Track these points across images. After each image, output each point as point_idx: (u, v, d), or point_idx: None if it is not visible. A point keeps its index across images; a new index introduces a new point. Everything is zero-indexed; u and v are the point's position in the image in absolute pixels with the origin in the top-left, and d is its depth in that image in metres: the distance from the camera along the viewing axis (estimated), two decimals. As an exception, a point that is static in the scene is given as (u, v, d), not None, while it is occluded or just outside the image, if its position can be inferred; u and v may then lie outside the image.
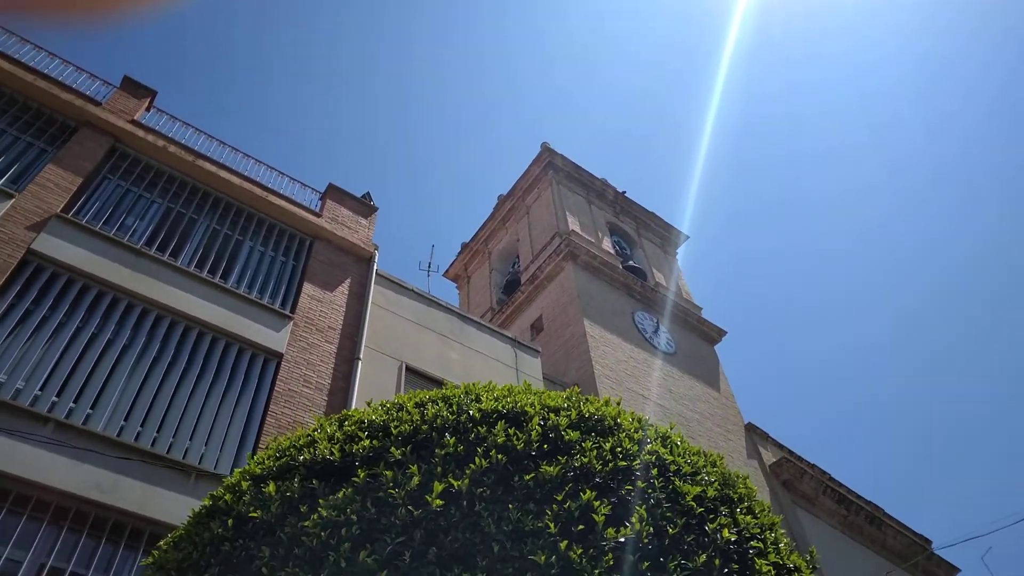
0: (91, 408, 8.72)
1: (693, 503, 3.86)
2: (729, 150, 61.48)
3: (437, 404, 4.24)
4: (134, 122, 12.53)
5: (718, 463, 4.67)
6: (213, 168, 12.85)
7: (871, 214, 59.46)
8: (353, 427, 4.14)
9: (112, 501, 7.83)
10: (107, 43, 53.90)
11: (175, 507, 8.22)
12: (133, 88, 13.36)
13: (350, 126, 66.16)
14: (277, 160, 65.91)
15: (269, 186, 13.57)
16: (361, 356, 11.67)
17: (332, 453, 3.87)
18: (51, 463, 7.77)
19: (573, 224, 21.04)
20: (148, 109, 13.48)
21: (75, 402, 8.66)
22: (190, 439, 9.22)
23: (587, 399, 4.78)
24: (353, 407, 10.66)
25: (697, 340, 20.54)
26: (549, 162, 23.59)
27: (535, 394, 4.51)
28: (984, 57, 52.67)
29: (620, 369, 16.58)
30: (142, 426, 8.95)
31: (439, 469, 3.66)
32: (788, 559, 4.16)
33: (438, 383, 12.61)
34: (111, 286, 10.05)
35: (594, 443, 4.03)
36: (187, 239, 11.84)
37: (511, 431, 3.94)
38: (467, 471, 3.65)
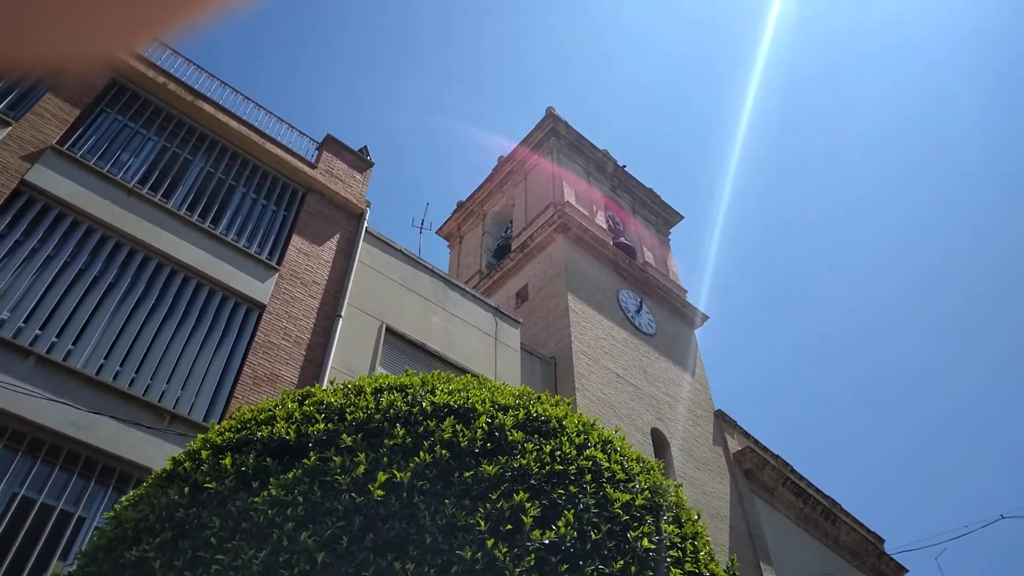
0: (72, 344, 8.95)
1: (620, 510, 4.13)
2: (745, 138, 61.12)
3: (393, 393, 4.48)
4: (136, 55, 12.52)
5: (654, 471, 4.95)
6: (211, 110, 12.89)
7: (892, 220, 59.53)
8: (312, 408, 4.38)
9: (86, 438, 8.11)
10: None
11: (147, 448, 8.54)
12: (139, 22, 13.29)
13: (354, 74, 65.41)
14: (277, 104, 65.22)
15: (267, 132, 13.62)
16: (343, 314, 11.90)
17: (288, 433, 4.12)
18: (30, 396, 8.02)
19: (569, 195, 21.13)
20: (150, 43, 13.43)
21: (57, 337, 8.89)
22: (167, 382, 9.48)
23: (539, 398, 5.03)
24: (329, 365, 10.95)
25: (679, 323, 20.83)
26: (552, 128, 23.54)
27: (488, 390, 4.75)
28: None
29: (598, 346, 16.88)
30: (121, 366, 9.20)
31: (385, 459, 3.91)
32: (706, 568, 4.46)
33: (417, 346, 12.89)
34: (101, 223, 10.20)
35: (536, 445, 4.28)
36: (180, 180, 11.95)
37: (458, 427, 4.19)
38: (411, 463, 3.90)
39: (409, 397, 4.45)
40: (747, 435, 19.36)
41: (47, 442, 7.98)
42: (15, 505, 7.44)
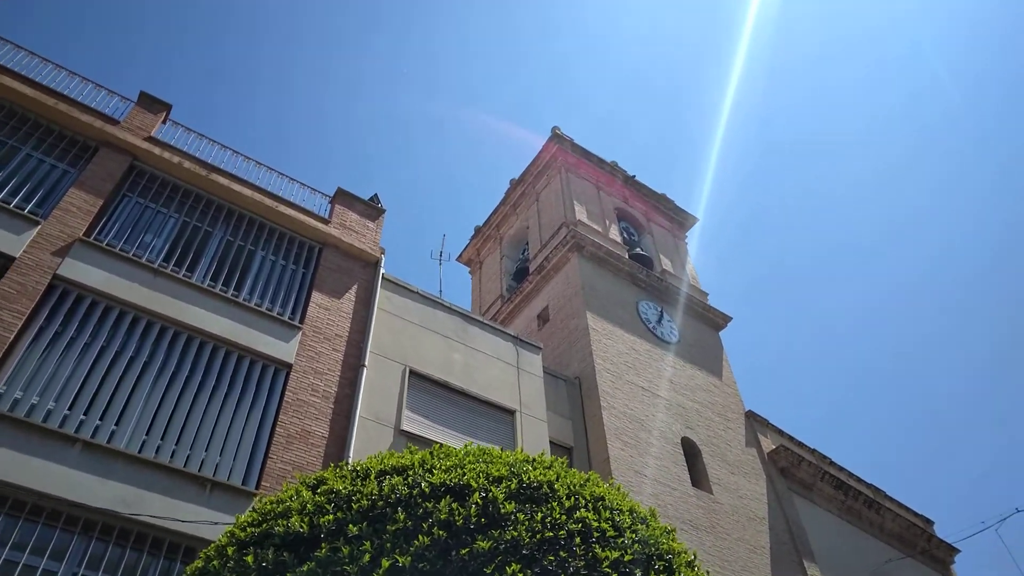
0: (115, 425, 9.58)
1: (608, 569, 4.51)
2: (749, 129, 60.89)
3: (395, 477, 4.92)
4: (151, 139, 13.23)
5: (649, 520, 5.31)
6: (226, 181, 13.55)
7: (899, 201, 58.76)
8: (323, 498, 4.84)
9: (136, 514, 8.70)
10: (122, 56, 54.68)
11: (193, 516, 9.11)
12: (149, 103, 14.03)
13: (358, 117, 66.46)
14: (289, 161, 66.53)
15: (279, 194, 14.25)
16: (366, 363, 12.43)
17: (302, 526, 4.58)
18: (80, 480, 8.65)
19: (580, 213, 21.50)
20: (164, 122, 14.16)
21: (100, 420, 9.53)
22: (205, 451, 10.08)
23: (534, 462, 5.43)
24: (357, 415, 11.47)
25: (702, 327, 21.04)
26: (558, 148, 23.95)
27: (484, 462, 5.17)
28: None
29: (621, 361, 17.19)
30: (162, 440, 9.82)
31: (388, 544, 4.35)
32: (698, 610, 4.81)
33: (441, 385, 13.35)
34: (131, 306, 10.85)
35: (527, 515, 4.68)
36: (202, 252, 12.59)
37: (455, 506, 4.61)
38: (412, 546, 4.33)
39: (409, 479, 4.89)
40: (781, 433, 19.48)
41: (99, 522, 8.59)
42: (76, 586, 8.04)
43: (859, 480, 20.44)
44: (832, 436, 56.36)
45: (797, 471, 18.19)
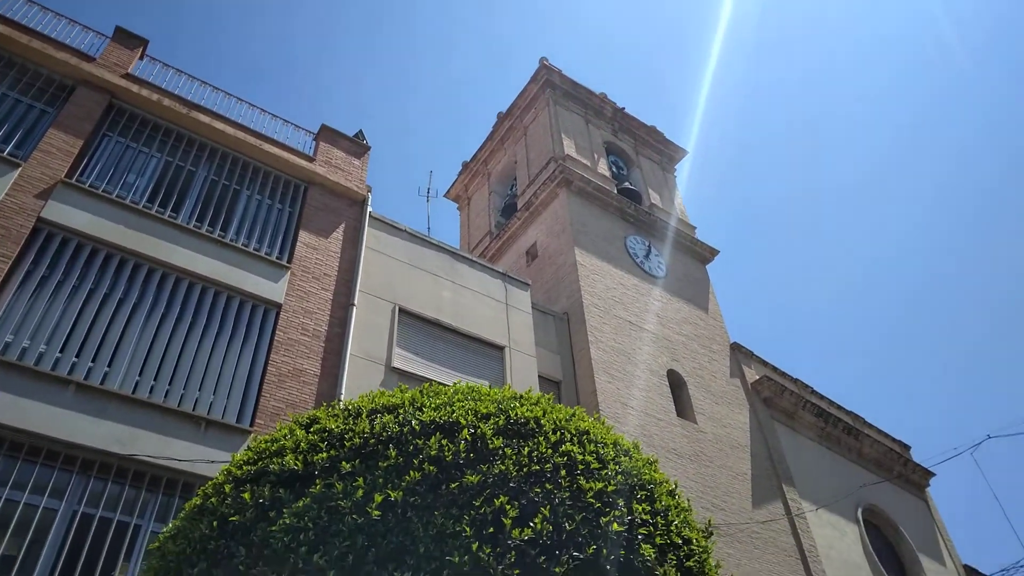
0: (108, 367, 9.69)
1: (592, 499, 4.70)
2: (742, 63, 59.84)
3: (386, 416, 5.06)
4: (128, 76, 12.96)
5: (632, 452, 5.50)
6: (207, 119, 13.34)
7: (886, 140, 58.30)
8: (316, 436, 4.98)
9: (132, 452, 8.89)
10: None
11: (189, 454, 9.33)
12: (125, 39, 13.68)
13: (342, 49, 64.73)
14: (269, 95, 64.96)
15: (263, 132, 14.07)
16: (356, 302, 12.52)
17: (296, 464, 4.73)
18: (76, 421, 8.80)
19: (569, 147, 21.33)
20: (141, 58, 13.83)
21: (92, 362, 9.62)
22: (199, 390, 10.23)
23: (521, 399, 5.58)
24: (348, 354, 11.63)
25: (689, 261, 21.19)
26: (547, 80, 23.56)
27: (472, 399, 5.31)
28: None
29: (609, 296, 17.37)
30: (155, 380, 9.95)
31: (381, 480, 4.51)
32: (679, 536, 5.04)
33: (431, 323, 13.50)
34: (117, 247, 10.82)
35: (514, 450, 4.85)
36: (187, 192, 12.50)
37: (444, 442, 4.76)
38: (404, 481, 4.50)
39: (400, 417, 5.03)
40: (765, 363, 19.88)
41: (97, 461, 8.78)
42: (77, 522, 8.28)
43: (839, 408, 20.99)
44: (815, 366, 57.48)
45: (779, 400, 18.64)
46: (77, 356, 9.58)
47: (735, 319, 60.71)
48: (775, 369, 20.00)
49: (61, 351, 9.50)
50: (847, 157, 59.80)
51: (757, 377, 18.85)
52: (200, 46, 59.38)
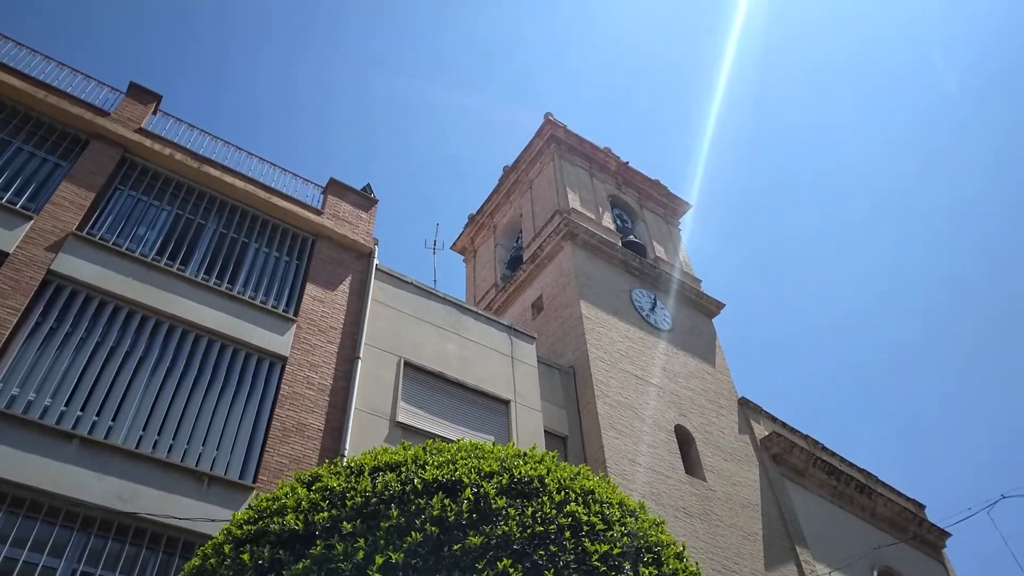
0: (112, 420, 9.64)
1: (598, 562, 4.60)
2: (742, 116, 60.81)
3: (388, 474, 4.99)
4: (141, 131, 13.21)
5: (639, 512, 5.41)
6: (217, 173, 13.53)
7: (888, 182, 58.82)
8: (317, 495, 4.91)
9: (133, 509, 8.78)
10: (112, 47, 54.23)
11: (191, 511, 9.19)
12: (139, 94, 13.98)
13: (348, 109, 66.10)
14: (278, 150, 66.17)
15: (272, 185, 14.25)
16: (361, 355, 12.48)
17: (297, 523, 4.66)
18: (78, 476, 8.71)
19: (574, 201, 21.52)
20: (154, 113, 14.12)
21: (97, 415, 9.58)
22: (202, 445, 10.14)
23: (525, 456, 5.51)
24: (353, 408, 11.55)
25: (695, 314, 21.15)
26: (552, 134, 23.93)
27: (475, 457, 5.25)
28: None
29: (615, 350, 17.29)
30: (158, 435, 9.88)
31: (382, 541, 4.43)
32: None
33: (436, 376, 13.43)
34: (125, 300, 10.87)
35: (518, 510, 4.77)
36: (196, 245, 12.61)
37: (447, 502, 4.69)
38: (405, 542, 4.41)
39: (402, 475, 4.97)
40: (774, 419, 19.65)
41: (98, 518, 8.66)
42: (76, 581, 8.12)
43: (851, 465, 20.65)
44: (825, 422, 56.76)
45: (790, 457, 18.36)
46: (82, 409, 9.54)
47: (741, 374, 60.23)
48: (784, 425, 19.76)
49: (66, 404, 9.47)
50: (848, 206, 60.12)
51: (766, 433, 18.61)
52: (210, 100, 60.66)
